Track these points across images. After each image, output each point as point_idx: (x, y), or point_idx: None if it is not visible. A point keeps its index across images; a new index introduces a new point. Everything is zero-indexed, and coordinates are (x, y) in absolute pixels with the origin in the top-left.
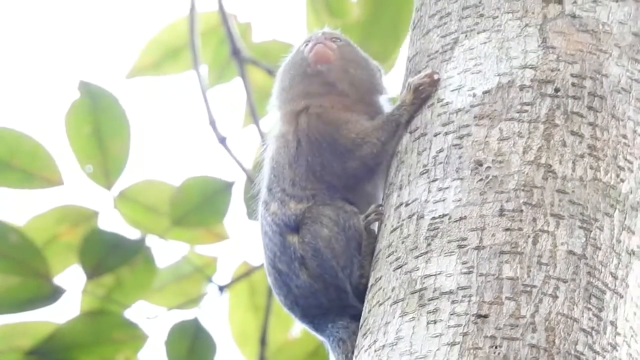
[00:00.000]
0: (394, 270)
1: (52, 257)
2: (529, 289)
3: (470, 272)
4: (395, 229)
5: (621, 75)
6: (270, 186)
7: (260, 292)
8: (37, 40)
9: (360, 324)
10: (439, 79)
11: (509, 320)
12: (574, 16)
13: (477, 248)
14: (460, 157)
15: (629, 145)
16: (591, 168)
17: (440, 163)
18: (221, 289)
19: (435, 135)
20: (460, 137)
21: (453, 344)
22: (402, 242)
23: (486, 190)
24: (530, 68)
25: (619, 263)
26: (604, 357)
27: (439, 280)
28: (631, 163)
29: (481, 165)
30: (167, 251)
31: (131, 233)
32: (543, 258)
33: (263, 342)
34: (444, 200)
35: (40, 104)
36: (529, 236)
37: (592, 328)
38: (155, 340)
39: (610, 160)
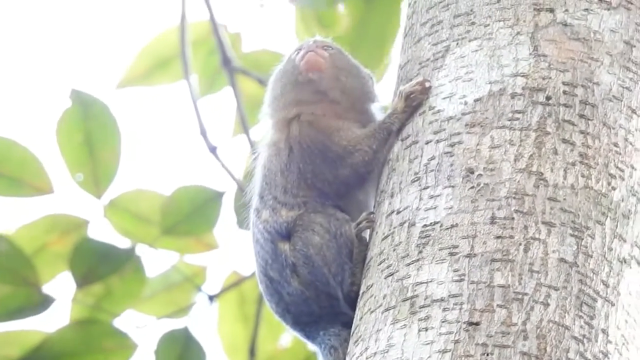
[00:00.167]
0: (385, 278)
1: (41, 265)
2: (520, 296)
3: (461, 280)
4: (386, 237)
5: (612, 83)
6: (262, 194)
7: (250, 302)
8: (28, 48)
9: (352, 331)
10: (430, 87)
11: (501, 328)
12: (565, 24)
13: (469, 256)
14: (451, 165)
15: (620, 153)
16: (582, 176)
17: (432, 171)
18: (211, 298)
19: (427, 143)
20: (452, 145)
21: (444, 351)
22: (394, 250)
23: (477, 198)
24: (522, 76)
25: (610, 271)
26: None
27: (430, 287)
28: (622, 171)
29: (472, 173)
30: (156, 260)
31: (121, 242)
32: (534, 266)
33: (252, 352)
34: (435, 207)
35: (31, 112)
36: (520, 244)
37: (584, 336)
38: (144, 349)
39: (602, 168)
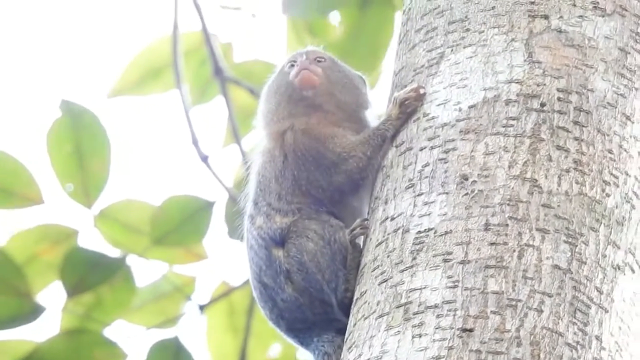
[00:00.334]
0: (379, 284)
1: (32, 275)
2: (514, 303)
3: (455, 286)
4: (380, 243)
5: (607, 90)
6: (256, 200)
7: (240, 312)
8: (18, 58)
9: (346, 337)
10: (424, 94)
11: (494, 334)
12: (560, 31)
13: (463, 262)
14: (445, 172)
15: (614, 160)
16: (577, 183)
17: (426, 177)
18: (201, 308)
19: (421, 149)
20: (446, 152)
21: (438, 357)
22: (388, 256)
23: (472, 205)
24: (516, 82)
25: (604, 278)
26: None
27: (424, 294)
28: (617, 178)
29: (467, 179)
30: (146, 270)
31: (111, 252)
32: (528, 272)
33: None
34: (429, 214)
35: (21, 122)
36: (514, 250)
37: (577, 342)
38: (134, 359)
39: (596, 175)
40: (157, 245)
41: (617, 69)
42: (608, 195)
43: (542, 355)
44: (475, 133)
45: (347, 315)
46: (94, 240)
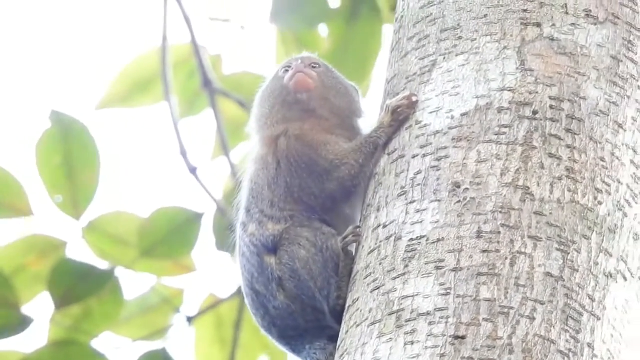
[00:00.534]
0: (371, 292)
1: (20, 286)
2: (506, 310)
3: (447, 294)
4: (372, 251)
5: (599, 98)
6: (249, 207)
7: (227, 324)
8: (8, 68)
9: (338, 345)
10: (417, 101)
11: (486, 342)
12: (552, 39)
13: (455, 269)
14: (438, 179)
15: (607, 168)
16: (569, 190)
17: (418, 185)
18: (189, 320)
19: (413, 157)
20: (438, 159)
21: None
22: (380, 264)
23: (464, 212)
24: (509, 90)
25: (596, 285)
26: None
27: (416, 301)
28: (609, 186)
29: (459, 187)
30: (134, 282)
31: (99, 264)
32: (520, 280)
33: None
34: (421, 221)
35: (10, 133)
36: (506, 258)
37: (570, 350)
38: None
39: (588, 182)
40: (146, 257)
41: (609, 77)
42: (600, 203)
43: None
44: (468, 141)
45: (340, 322)
46: (82, 252)
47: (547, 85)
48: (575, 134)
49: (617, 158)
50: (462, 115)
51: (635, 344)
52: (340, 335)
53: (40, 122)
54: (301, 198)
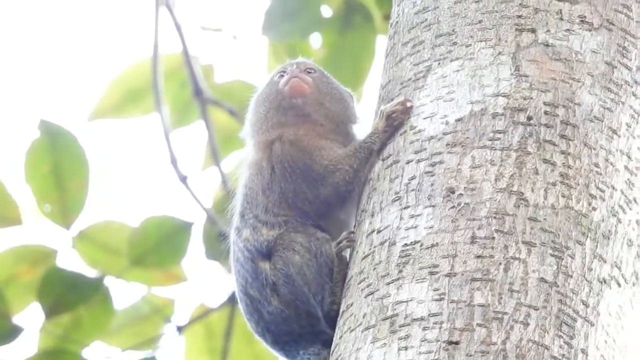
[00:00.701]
0: (365, 297)
1: (11, 296)
2: (500, 315)
3: (441, 299)
4: (367, 256)
5: (594, 104)
6: (243, 212)
7: (218, 334)
8: None
9: (332, 350)
10: (411, 107)
11: (480, 347)
12: (547, 45)
13: (449, 275)
14: (432, 185)
15: (601, 174)
16: (563, 196)
17: (413, 190)
18: (179, 329)
19: (408, 162)
20: (433, 165)
21: None
22: (374, 269)
23: (458, 218)
24: (503, 96)
25: (590, 291)
26: None
27: (410, 306)
28: (603, 191)
29: (453, 192)
30: (125, 292)
31: (89, 273)
32: (514, 285)
33: None
34: (415, 227)
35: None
36: (500, 263)
37: (563, 355)
38: None
39: (582, 188)
40: (136, 266)
41: (603, 83)
42: (594, 209)
43: None
44: (462, 146)
45: (333, 327)
46: (72, 262)
47: (541, 91)
48: (570, 139)
49: (611, 164)
50: (457, 120)
51: (629, 350)
52: (334, 341)
53: (30, 131)
54: (295, 203)
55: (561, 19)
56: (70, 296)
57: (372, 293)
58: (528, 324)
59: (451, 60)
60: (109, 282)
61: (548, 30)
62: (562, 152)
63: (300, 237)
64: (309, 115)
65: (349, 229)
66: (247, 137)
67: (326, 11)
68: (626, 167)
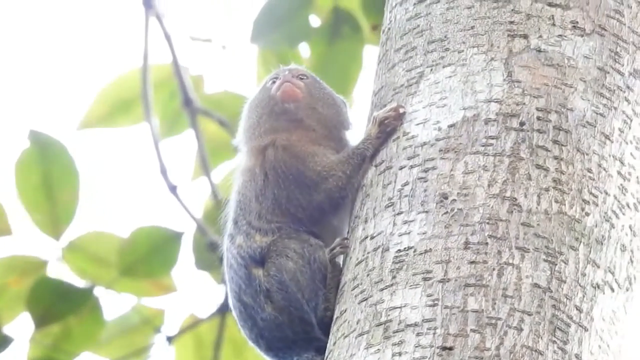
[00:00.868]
0: (359, 303)
1: (0, 306)
2: (494, 321)
3: (435, 305)
4: (360, 262)
5: (586, 109)
6: (237, 219)
7: (207, 344)
8: None
9: (326, 356)
10: (404, 113)
11: (474, 353)
12: (539, 50)
13: (442, 281)
14: (425, 190)
15: (594, 179)
16: (556, 201)
17: (406, 196)
18: (169, 339)
19: (401, 168)
20: (426, 171)
21: None
22: (367, 275)
23: (451, 223)
24: (496, 102)
25: (583, 296)
26: None
27: (404, 312)
28: (596, 197)
29: (446, 198)
30: (115, 303)
31: (79, 283)
32: (508, 291)
33: None
34: (409, 233)
35: None
36: (494, 269)
37: None
38: None
39: (576, 194)
40: (126, 277)
41: (596, 88)
42: (587, 214)
43: None
44: (455, 152)
45: (327, 334)
46: (62, 272)
47: (534, 97)
48: (562, 145)
49: (604, 169)
50: (450, 126)
51: (622, 356)
52: (327, 347)
53: (19, 141)
54: (289, 210)
55: (553, 24)
56: (60, 306)
57: (366, 299)
58: (522, 330)
59: (443, 66)
60: (99, 292)
61: (540, 36)
62: (555, 158)
63: (294, 244)
64: (302, 120)
65: (342, 236)
66: (241, 144)
67: (315, 21)
68: (619, 173)
